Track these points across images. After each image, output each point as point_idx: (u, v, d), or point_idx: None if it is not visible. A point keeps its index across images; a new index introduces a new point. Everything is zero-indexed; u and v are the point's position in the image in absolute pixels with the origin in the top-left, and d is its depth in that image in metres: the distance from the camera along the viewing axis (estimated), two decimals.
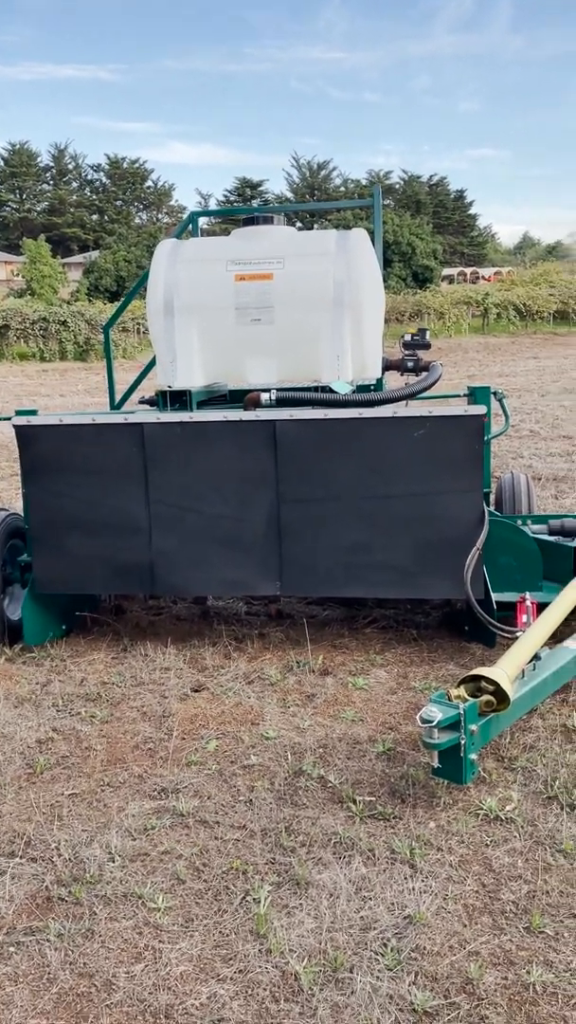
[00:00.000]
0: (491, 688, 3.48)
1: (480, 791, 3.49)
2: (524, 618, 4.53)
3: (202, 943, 2.71)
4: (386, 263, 43.77)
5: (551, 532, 5.10)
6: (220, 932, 2.75)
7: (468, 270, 50.18)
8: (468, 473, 4.56)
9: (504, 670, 3.61)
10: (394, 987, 2.50)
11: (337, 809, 3.40)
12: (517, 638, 4.15)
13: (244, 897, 2.90)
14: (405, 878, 2.97)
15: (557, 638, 4.49)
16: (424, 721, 3.28)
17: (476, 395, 5.62)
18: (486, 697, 3.46)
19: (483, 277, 46.73)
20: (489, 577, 4.76)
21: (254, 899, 2.88)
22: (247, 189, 58.62)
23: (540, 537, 5.11)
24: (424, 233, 42.30)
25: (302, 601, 5.72)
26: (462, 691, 3.46)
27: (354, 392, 5.12)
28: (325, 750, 3.84)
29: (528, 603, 4.65)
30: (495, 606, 4.69)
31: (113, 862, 3.13)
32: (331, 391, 4.93)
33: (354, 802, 3.42)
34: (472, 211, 66.93)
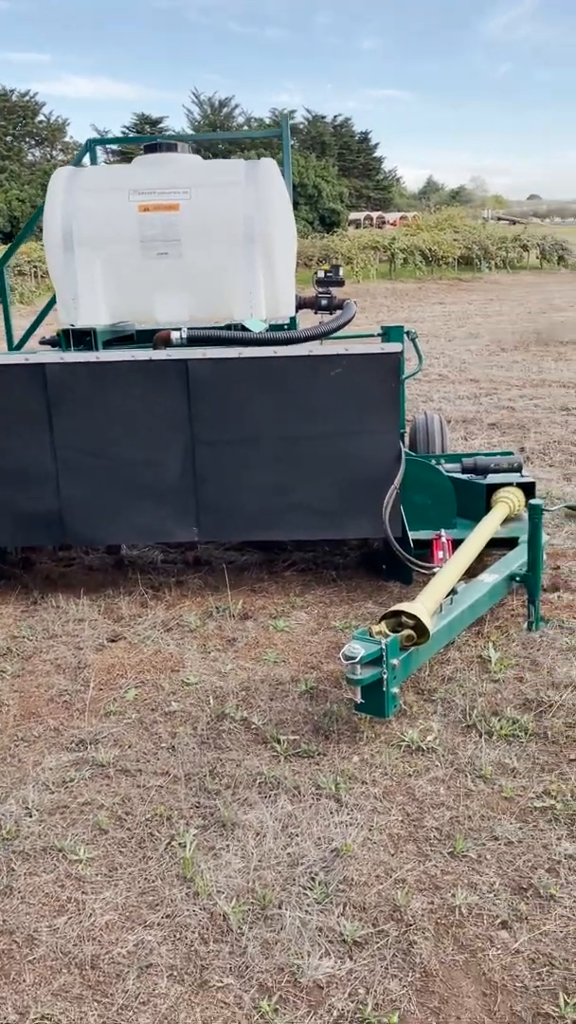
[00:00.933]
0: (411, 623, 3.50)
1: (402, 723, 3.53)
2: (440, 554, 4.59)
3: (127, 891, 2.66)
4: (293, 205, 43.11)
5: (464, 470, 5.15)
6: (145, 879, 2.71)
7: (375, 214, 50.01)
8: (385, 412, 4.53)
9: (423, 605, 3.64)
10: (323, 919, 2.52)
11: (261, 750, 3.38)
12: (434, 574, 4.19)
13: (169, 843, 2.86)
14: (331, 812, 2.99)
15: (471, 573, 4.57)
16: (347, 658, 3.28)
17: (390, 334, 5.60)
18: (407, 632, 3.48)
19: (389, 222, 46.69)
20: (406, 515, 4.79)
21: (180, 844, 2.84)
22: (146, 126, 56.52)
23: (454, 475, 5.16)
24: (330, 176, 41.82)
25: (221, 547, 5.64)
26: (383, 627, 3.48)
27: (268, 331, 5.00)
28: (248, 693, 3.82)
29: (444, 540, 4.71)
30: (412, 544, 4.73)
31: (30, 816, 3.04)
32: (244, 329, 4.80)
33: (278, 742, 3.42)
34: (377, 154, 66.43)
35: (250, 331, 4.73)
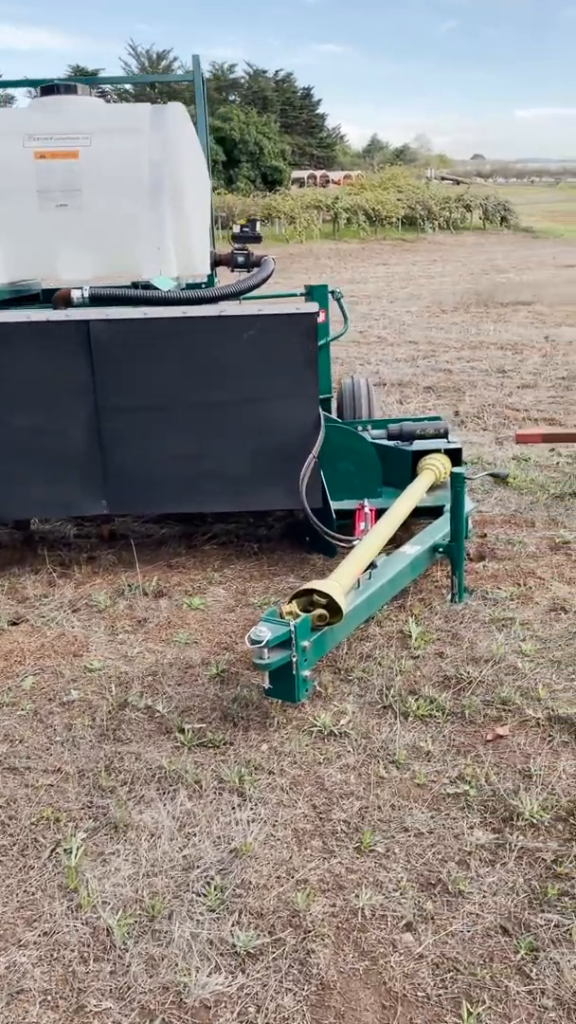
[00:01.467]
0: (323, 602, 3.31)
1: (315, 707, 3.35)
2: (362, 526, 4.39)
3: (3, 906, 2.44)
4: (233, 163, 42.18)
5: (390, 437, 4.95)
6: (25, 892, 2.49)
7: (318, 173, 49.19)
8: (302, 377, 4.29)
9: (338, 581, 3.44)
10: (215, 930, 2.33)
11: (164, 741, 3.17)
12: (354, 547, 4.00)
13: (54, 849, 2.64)
14: (233, 808, 2.79)
15: (397, 543, 4.39)
16: (253, 641, 3.07)
17: (314, 294, 5.34)
18: (318, 611, 3.29)
19: (333, 180, 45.98)
20: (328, 484, 4.58)
21: (65, 850, 2.62)
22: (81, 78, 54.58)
23: (379, 442, 4.96)
24: (272, 132, 40.92)
25: (137, 520, 5.38)
26: (294, 607, 3.27)
27: (181, 289, 4.71)
28: (154, 678, 3.60)
29: (367, 510, 4.51)
30: (334, 515, 4.53)
31: None
32: (152, 288, 4.50)
33: (182, 731, 3.21)
34: (320, 110, 65.31)
35: (158, 289, 4.43)
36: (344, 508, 4.65)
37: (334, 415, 5.70)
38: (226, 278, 5.57)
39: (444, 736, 3.14)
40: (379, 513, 4.44)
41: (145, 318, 4.18)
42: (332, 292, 5.59)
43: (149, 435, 4.27)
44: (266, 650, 3.08)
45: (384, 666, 3.60)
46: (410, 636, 3.82)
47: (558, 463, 6.16)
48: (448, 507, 4.51)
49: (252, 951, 2.27)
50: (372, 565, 3.83)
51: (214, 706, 3.37)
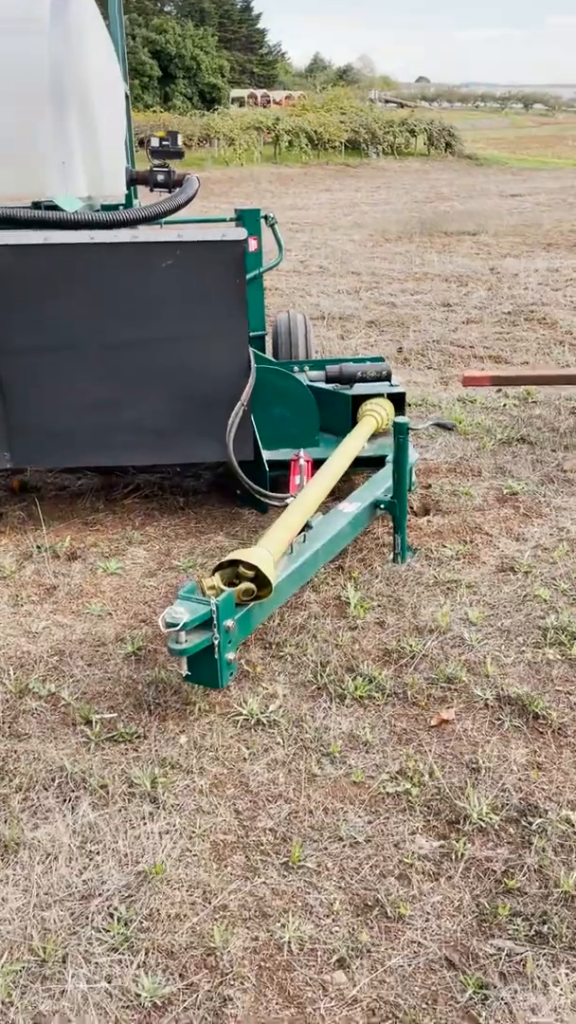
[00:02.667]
0: (250, 574, 2.91)
1: (242, 689, 2.99)
2: (297, 480, 3.99)
3: None
4: (169, 78, 39.99)
5: (328, 379, 4.52)
6: None
7: (259, 92, 47.07)
8: (228, 312, 3.80)
9: (267, 549, 3.05)
10: (117, 976, 1.98)
11: (68, 735, 2.78)
12: (287, 506, 3.61)
13: None
14: (143, 819, 2.43)
15: (336, 495, 4.02)
16: (168, 624, 2.67)
17: (244, 218, 4.82)
18: (244, 585, 2.89)
19: (274, 101, 44.10)
20: (261, 432, 4.15)
21: None
22: None
23: (316, 385, 4.53)
24: (209, 47, 38.87)
25: (52, 471, 4.89)
26: (217, 580, 2.87)
27: (94, 211, 4.14)
28: (60, 658, 3.19)
29: (302, 461, 4.11)
30: (267, 467, 4.11)
31: None
32: (57, 209, 3.92)
33: (89, 723, 2.82)
34: (260, 25, 62.40)
35: (62, 211, 3.86)
36: (278, 459, 4.24)
37: (268, 355, 5.23)
38: (149, 201, 4.99)
39: (384, 722, 2.82)
40: (316, 464, 4.04)
41: (47, 244, 3.62)
42: (265, 217, 5.08)
43: (56, 378, 3.77)
44: (183, 633, 2.69)
45: (319, 639, 3.25)
46: (348, 603, 3.47)
47: (504, 405, 5.81)
48: (391, 458, 4.14)
49: (159, 1001, 1.93)
50: (307, 526, 3.44)
51: (127, 691, 2.99)
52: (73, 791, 2.53)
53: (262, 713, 2.84)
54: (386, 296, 9.79)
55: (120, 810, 2.46)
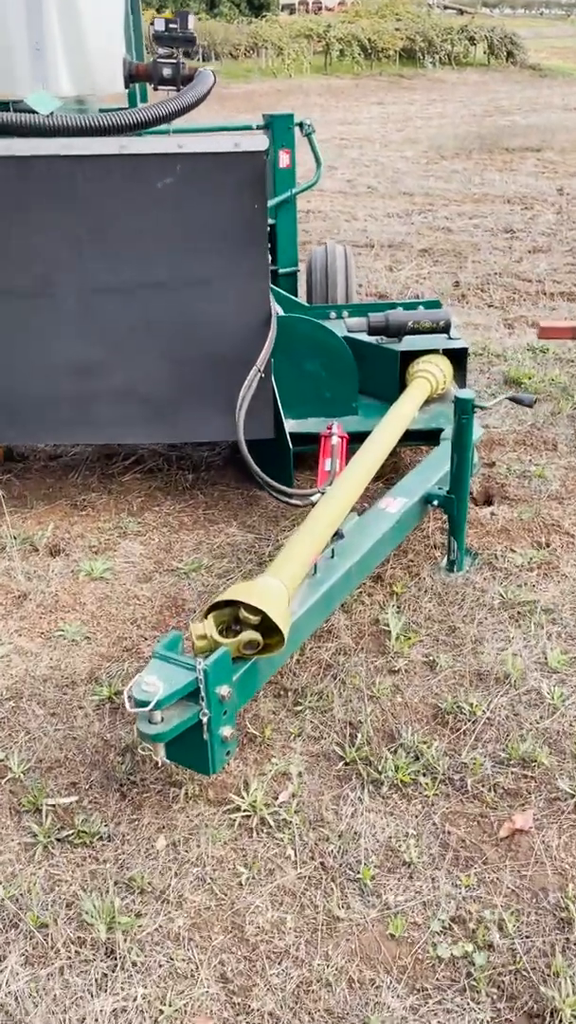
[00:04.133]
0: (255, 620, 2.10)
1: (245, 761, 2.21)
2: (328, 465, 3.11)
3: None
4: None
5: (372, 330, 3.58)
6: None
7: None
8: (245, 247, 2.89)
9: (279, 579, 2.22)
10: None
11: (8, 829, 2.04)
12: (312, 505, 2.76)
13: None
14: (92, 985, 1.69)
15: (382, 477, 3.17)
16: (138, 703, 1.89)
17: (274, 126, 3.85)
18: (247, 635, 2.08)
19: (326, 7, 41.17)
20: (286, 394, 3.28)
21: None
22: None
23: (356, 337, 3.61)
24: None
25: None
26: (209, 627, 2.07)
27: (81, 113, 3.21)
28: (15, 704, 2.43)
29: (336, 439, 3.21)
30: (291, 444, 3.25)
31: None
32: (29, 112, 3.01)
33: (39, 811, 2.08)
34: None
35: (36, 113, 2.95)
36: (305, 432, 3.37)
37: (301, 297, 4.31)
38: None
39: (435, 827, 2.03)
40: (353, 440, 3.17)
41: (8, 155, 2.74)
42: (300, 125, 4.09)
43: (22, 334, 2.93)
44: (158, 713, 1.90)
45: (349, 687, 2.44)
46: (388, 632, 2.65)
47: None
48: (447, 433, 3.25)
49: None
50: (337, 534, 2.60)
51: (94, 759, 2.23)
52: (1, 933, 1.80)
53: (268, 807, 2.07)
54: (441, 220, 8.63)
55: (61, 969, 1.73)
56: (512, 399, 2.91)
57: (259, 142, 2.79)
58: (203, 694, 1.92)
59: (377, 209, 9.19)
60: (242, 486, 3.54)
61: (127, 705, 1.87)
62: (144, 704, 1.85)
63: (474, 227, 8.27)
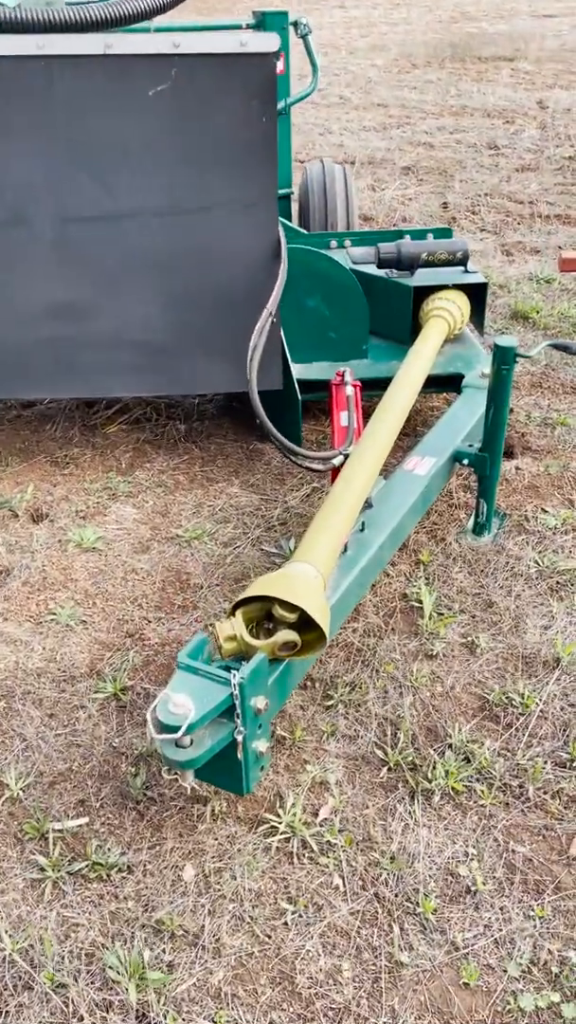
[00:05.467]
0: (291, 618, 1.79)
1: (277, 771, 1.94)
2: (343, 418, 2.75)
3: None
4: None
5: (381, 262, 3.18)
6: None
7: None
8: (252, 167, 2.46)
9: (312, 564, 1.90)
10: None
11: (11, 861, 1.74)
12: (332, 467, 2.43)
13: None
14: None
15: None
16: (165, 728, 1.58)
17: (266, 23, 3.36)
18: (283, 635, 1.76)
19: None
20: (290, 336, 2.90)
21: None
22: None
23: (364, 270, 3.21)
24: None
25: None
26: (239, 626, 1.76)
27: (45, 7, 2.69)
28: (7, 704, 2.10)
29: (349, 388, 2.84)
30: (299, 394, 2.89)
31: None
32: None
33: (45, 839, 1.79)
34: None
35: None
36: (312, 378, 3.00)
37: (295, 223, 3.86)
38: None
39: (497, 843, 1.78)
40: (365, 387, 2.81)
41: None
42: (295, 24, 3.58)
43: (3, 273, 2.49)
44: (189, 737, 1.60)
45: (384, 675, 2.17)
46: (420, 609, 2.37)
47: None
48: (469, 379, 2.92)
49: None
50: (367, 504, 2.28)
51: (104, 772, 1.94)
52: (10, 996, 1.52)
53: (308, 826, 1.81)
54: (421, 135, 8.07)
55: None
56: (556, 346, 2.57)
57: (269, 41, 2.34)
58: (239, 710, 1.62)
59: (352, 122, 8.57)
60: (241, 438, 3.18)
61: (151, 730, 1.56)
62: (174, 729, 1.55)
63: (456, 142, 7.74)
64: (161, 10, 2.68)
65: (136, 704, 2.09)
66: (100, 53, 2.30)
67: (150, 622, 2.35)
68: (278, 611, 1.77)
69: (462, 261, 3.18)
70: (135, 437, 3.19)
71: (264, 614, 1.82)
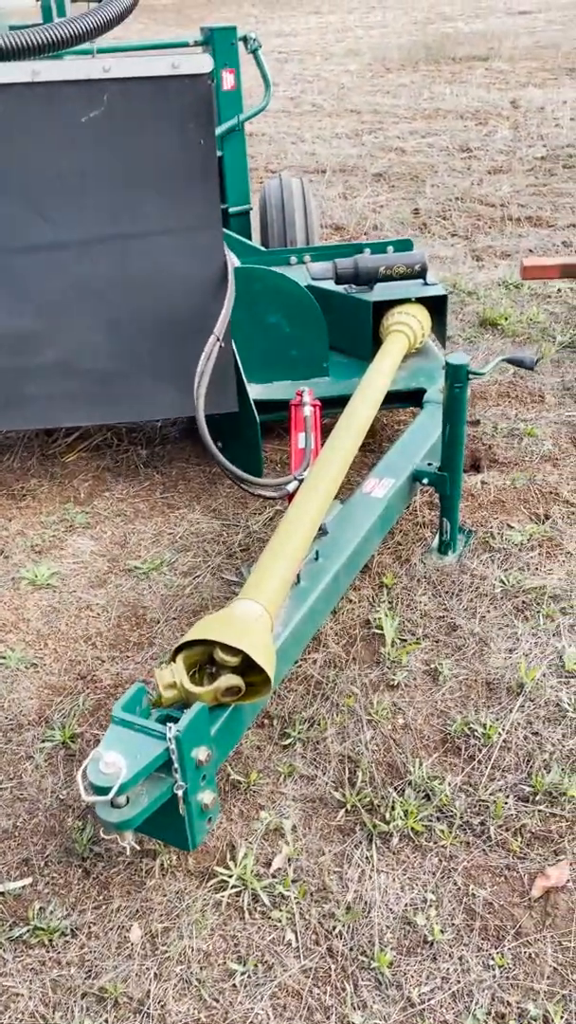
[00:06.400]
0: (233, 661, 1.71)
1: (230, 818, 1.86)
2: (301, 440, 2.68)
3: None
4: None
5: (339, 278, 3.12)
6: None
7: None
8: (190, 190, 2.40)
9: (258, 603, 1.82)
10: None
11: None
12: (288, 493, 2.36)
13: None
14: None
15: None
16: (97, 790, 1.50)
17: (214, 39, 3.29)
18: (226, 681, 1.69)
19: None
20: (248, 356, 2.83)
21: None
22: None
23: (322, 286, 3.14)
24: None
25: None
26: (179, 672, 1.68)
27: None
28: None
29: (308, 408, 2.76)
30: (256, 413, 2.81)
31: None
32: None
33: None
34: None
35: None
36: (270, 399, 2.93)
37: (255, 241, 3.80)
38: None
39: (456, 888, 1.70)
40: (327, 405, 2.74)
41: None
42: (244, 39, 3.52)
43: None
44: (124, 797, 1.52)
45: (343, 710, 2.09)
46: (382, 635, 2.29)
47: (559, 290, 4.40)
48: (430, 394, 2.85)
49: None
50: (321, 530, 2.21)
51: (49, 826, 1.86)
52: None
53: (260, 878, 1.73)
54: (393, 140, 8.02)
55: None
56: (510, 361, 2.50)
57: (202, 62, 2.26)
58: (176, 765, 1.55)
59: (324, 129, 8.52)
60: (203, 461, 3.11)
61: (82, 792, 1.49)
62: (104, 791, 1.47)
63: (428, 146, 7.69)
64: (100, 30, 2.61)
65: (84, 752, 2.01)
66: (28, 81, 2.23)
67: (103, 662, 2.28)
68: (219, 655, 1.69)
69: (420, 273, 3.11)
70: (95, 464, 3.12)
71: (208, 657, 1.74)
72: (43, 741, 2.05)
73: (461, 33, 16.55)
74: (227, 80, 3.34)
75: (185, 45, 3.46)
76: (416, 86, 10.63)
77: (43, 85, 2.23)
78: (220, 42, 3.33)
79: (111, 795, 1.47)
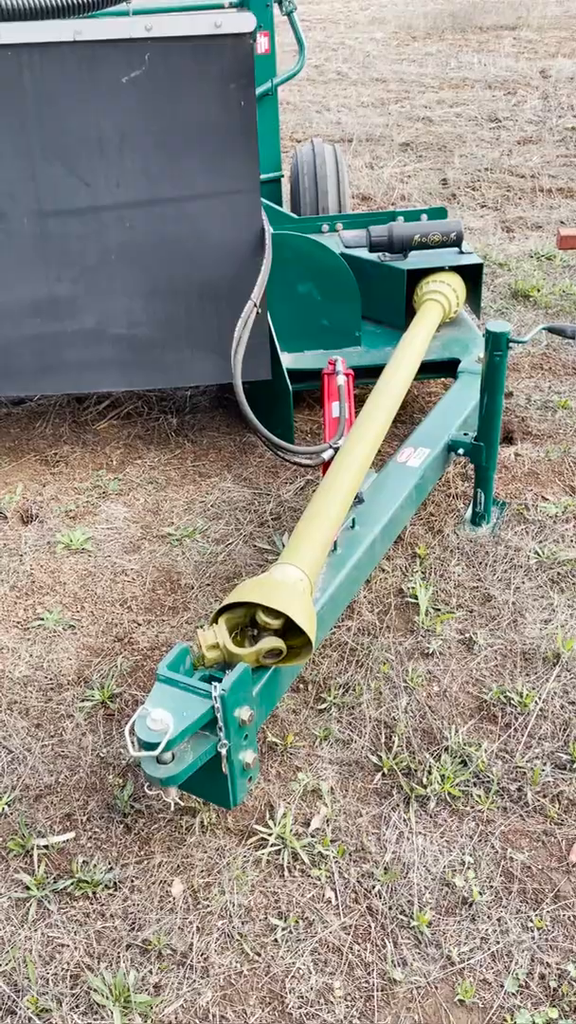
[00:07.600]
0: (275, 624, 1.72)
1: (267, 779, 1.88)
2: (335, 409, 2.68)
3: None
4: None
5: (373, 246, 3.09)
6: None
7: None
8: (229, 154, 2.38)
9: (298, 566, 1.83)
10: None
11: None
12: (323, 461, 2.36)
13: None
14: None
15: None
16: (144, 745, 1.52)
17: (249, 2, 3.25)
18: (267, 643, 1.70)
19: None
20: (281, 325, 2.82)
21: None
22: None
23: (356, 254, 3.12)
24: None
25: None
26: (220, 633, 1.69)
27: None
28: None
29: (341, 378, 2.76)
30: (290, 385, 2.81)
31: None
32: None
33: (29, 856, 1.75)
34: None
35: None
36: (302, 368, 2.92)
37: (285, 207, 3.77)
38: None
39: (494, 851, 1.72)
40: (359, 375, 2.73)
41: None
42: (279, 2, 3.47)
43: None
44: (169, 753, 1.54)
45: (378, 676, 2.11)
46: (416, 605, 2.30)
47: None
48: (465, 364, 2.84)
49: None
50: (357, 499, 2.21)
51: (90, 785, 1.89)
52: None
53: (299, 837, 1.75)
54: (420, 110, 7.89)
55: None
56: (551, 330, 2.48)
57: (245, 21, 2.23)
58: (221, 723, 1.57)
59: (350, 98, 8.40)
60: (234, 431, 3.11)
61: (130, 747, 1.51)
62: (152, 746, 1.49)
63: (456, 116, 7.57)
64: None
65: (124, 712, 2.04)
66: (70, 40, 2.21)
67: (139, 625, 2.30)
68: (262, 617, 1.70)
69: (456, 242, 3.08)
70: (126, 432, 3.13)
71: (249, 619, 1.76)
72: (83, 700, 2.07)
73: (488, 1, 16.22)
74: (261, 43, 3.30)
75: (219, 7, 3.41)
76: (443, 55, 10.45)
77: (85, 44, 2.21)
78: (255, 4, 3.28)
79: (159, 751, 1.49)
